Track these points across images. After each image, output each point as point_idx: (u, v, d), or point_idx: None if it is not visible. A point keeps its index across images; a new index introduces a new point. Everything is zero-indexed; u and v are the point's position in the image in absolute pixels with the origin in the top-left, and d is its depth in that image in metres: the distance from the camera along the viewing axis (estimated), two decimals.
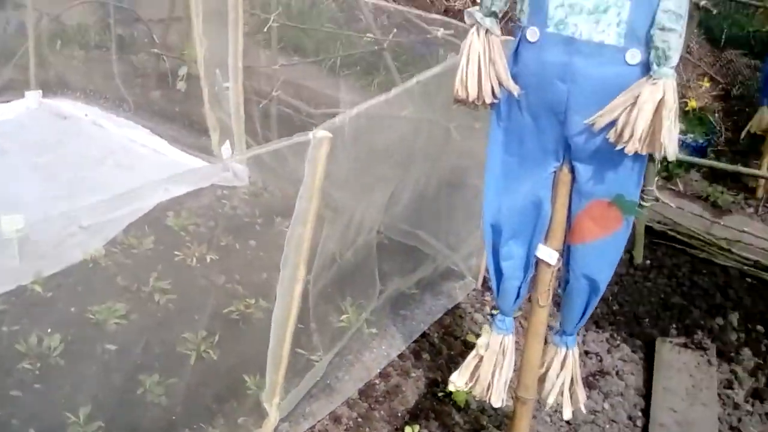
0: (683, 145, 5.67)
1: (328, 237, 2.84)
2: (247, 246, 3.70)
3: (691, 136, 5.93)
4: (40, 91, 5.07)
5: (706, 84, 6.82)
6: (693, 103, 6.29)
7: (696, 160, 4.93)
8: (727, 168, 4.73)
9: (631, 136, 2.02)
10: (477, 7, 2.29)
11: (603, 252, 2.36)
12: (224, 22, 4.12)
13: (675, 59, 2.01)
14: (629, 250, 4.16)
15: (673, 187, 5.28)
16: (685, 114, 6.29)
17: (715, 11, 4.86)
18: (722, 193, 5.30)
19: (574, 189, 2.31)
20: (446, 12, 8.29)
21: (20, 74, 5.19)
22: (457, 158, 3.63)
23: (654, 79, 2.01)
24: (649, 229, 4.35)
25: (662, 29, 2.01)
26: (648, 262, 4.24)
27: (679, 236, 4.46)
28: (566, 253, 2.42)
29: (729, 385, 3.44)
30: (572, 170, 2.29)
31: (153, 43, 5.57)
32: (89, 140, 4.59)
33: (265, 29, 4.77)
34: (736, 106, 6.98)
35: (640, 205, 2.29)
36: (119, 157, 4.40)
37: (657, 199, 4.24)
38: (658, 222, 4.51)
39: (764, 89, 5.31)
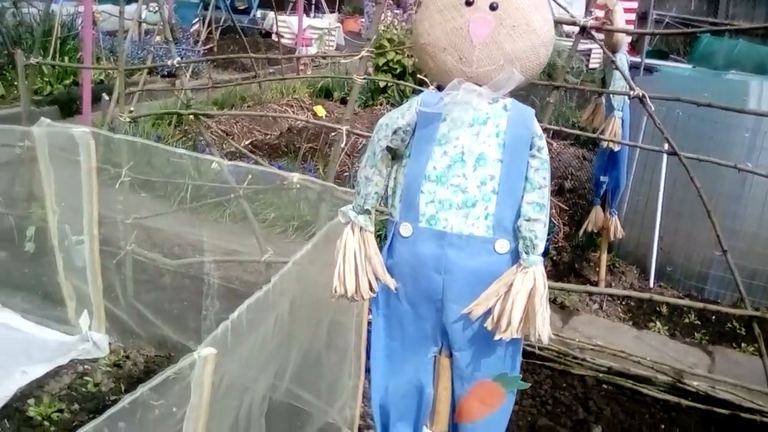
0: None
1: None
2: (116, 429, 3.58)
3: None
4: None
5: None
6: None
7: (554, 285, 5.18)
8: (564, 288, 4.99)
9: (509, 325, 2.16)
10: (350, 206, 2.41)
11: (490, 426, 2.48)
12: (74, 183, 4.05)
13: (542, 247, 2.19)
14: None
15: None
16: None
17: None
18: (568, 293, 5.61)
19: (455, 374, 2.42)
20: (289, 130, 8.47)
21: None
22: (333, 317, 3.67)
23: (524, 267, 2.18)
24: None
25: (528, 220, 2.19)
26: None
27: (535, 350, 4.67)
28: (454, 431, 2.51)
29: None
30: (451, 355, 2.40)
31: None
32: None
33: (117, 185, 4.71)
34: (571, 199, 7.42)
35: (523, 379, 2.41)
36: None
37: None
38: None
39: (596, 191, 5.68)
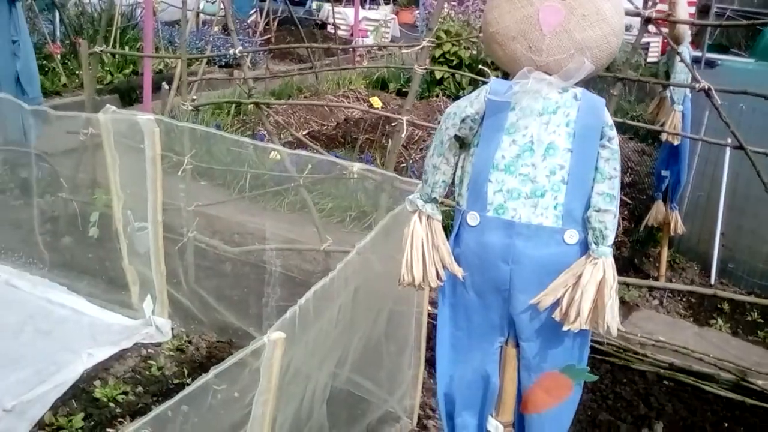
0: None
1: (284, 422, 2.83)
2: (179, 411, 3.64)
3: None
4: None
5: None
6: None
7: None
8: (627, 282, 4.92)
9: (578, 315, 2.14)
10: (417, 194, 2.41)
11: (557, 418, 2.47)
12: (138, 171, 4.12)
13: (611, 238, 2.17)
14: None
15: None
16: None
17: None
18: (629, 288, 5.54)
19: (522, 364, 2.41)
20: (346, 121, 8.50)
21: None
22: (393, 308, 3.68)
23: (594, 258, 2.15)
24: None
25: (598, 211, 2.16)
26: None
27: (596, 345, 4.62)
28: (519, 421, 2.51)
29: None
30: (517, 345, 2.39)
31: (60, 185, 5.49)
32: (6, 305, 4.45)
33: (180, 173, 4.78)
34: (631, 193, 7.31)
35: (591, 371, 2.39)
36: (38, 323, 4.28)
37: None
38: None
39: (657, 185, 5.60)
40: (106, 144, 4.17)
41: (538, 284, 2.22)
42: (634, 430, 3.98)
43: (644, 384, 4.35)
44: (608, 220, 2.18)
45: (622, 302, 5.38)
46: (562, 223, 2.21)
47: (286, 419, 2.83)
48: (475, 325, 2.41)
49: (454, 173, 2.38)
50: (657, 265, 5.83)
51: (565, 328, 2.18)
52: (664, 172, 5.48)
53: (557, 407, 2.42)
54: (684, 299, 5.61)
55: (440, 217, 2.38)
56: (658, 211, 5.60)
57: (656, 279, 5.77)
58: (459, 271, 2.33)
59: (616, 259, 5.94)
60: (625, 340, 4.66)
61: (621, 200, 6.98)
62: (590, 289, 2.14)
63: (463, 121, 2.28)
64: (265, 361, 2.28)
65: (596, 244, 2.18)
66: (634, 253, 6.31)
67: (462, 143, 2.35)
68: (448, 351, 2.49)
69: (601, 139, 2.20)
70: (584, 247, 2.21)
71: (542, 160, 2.21)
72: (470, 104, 2.28)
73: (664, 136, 5.29)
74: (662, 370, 4.44)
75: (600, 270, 2.16)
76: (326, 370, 3.10)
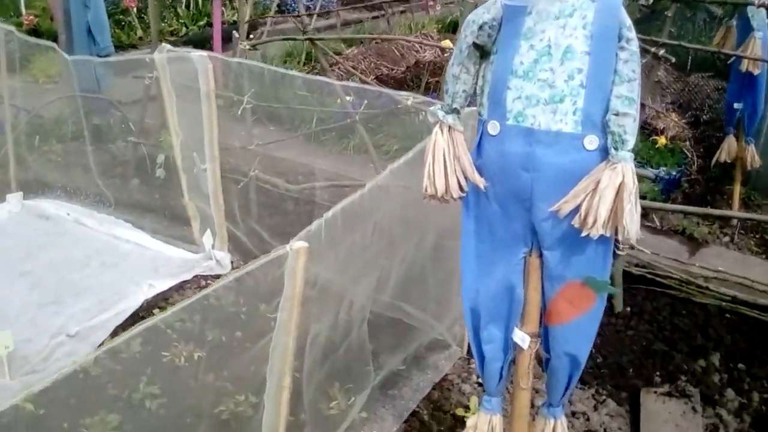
0: (657, 179, 5.78)
1: (319, 333, 2.89)
2: (234, 338, 3.76)
3: (664, 168, 6.04)
4: (21, 193, 5.17)
5: (675, 118, 6.93)
6: (662, 141, 6.40)
7: (667, 206, 5.01)
8: (695, 211, 4.79)
9: (595, 221, 2.11)
10: (438, 106, 2.40)
11: (580, 330, 2.45)
12: (198, 112, 4.22)
13: (631, 142, 2.12)
14: (609, 299, 4.21)
15: (649, 224, 5.37)
16: (656, 149, 6.42)
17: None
18: (698, 224, 5.40)
19: (545, 274, 2.40)
20: (416, 65, 8.46)
21: (0, 176, 5.29)
22: (438, 225, 3.69)
23: (613, 163, 2.11)
24: (627, 274, 4.40)
25: (617, 114, 2.12)
26: (628, 309, 4.31)
27: (657, 278, 4.54)
28: (545, 333, 2.50)
29: (715, 430, 3.50)
30: (541, 255, 2.38)
31: (130, 130, 5.66)
32: (73, 241, 4.66)
33: (239, 112, 4.85)
34: (707, 131, 7.10)
35: (611, 282, 2.36)
36: (104, 257, 4.47)
37: (632, 247, 4.33)
38: (636, 266, 4.59)
39: (728, 119, 5.41)
40: (163, 82, 4.28)
41: (558, 192, 2.19)
42: (690, 360, 3.91)
43: (704, 316, 4.27)
44: (627, 124, 2.12)
45: (690, 238, 5.26)
46: (582, 129, 2.16)
47: (320, 332, 2.89)
48: (498, 237, 2.40)
49: (475, 83, 2.35)
50: (730, 202, 5.64)
51: (583, 234, 2.15)
52: (736, 105, 5.27)
53: (581, 319, 2.40)
54: (756, 236, 5.43)
55: (461, 128, 2.37)
56: (730, 145, 5.41)
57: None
58: (480, 182, 2.32)
59: (688, 196, 5.80)
60: (688, 273, 4.56)
61: (695, 137, 6.83)
62: (608, 194, 2.11)
63: (480, 28, 2.25)
64: (289, 269, 2.32)
65: (615, 148, 2.13)
66: (708, 190, 6.13)
67: (482, 52, 2.32)
68: (473, 265, 2.49)
69: (619, 41, 2.14)
70: (604, 153, 2.17)
71: (560, 65, 2.16)
72: (487, 11, 2.25)
73: (743, 66, 5.05)
74: (724, 303, 4.34)
75: (619, 174, 2.11)
76: (363, 291, 3.14)
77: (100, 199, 5.09)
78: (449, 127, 2.36)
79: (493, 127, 2.27)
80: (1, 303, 4.02)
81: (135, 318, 3.85)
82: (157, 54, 4.18)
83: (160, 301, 4.02)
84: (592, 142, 2.17)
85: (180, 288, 4.18)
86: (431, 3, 11.44)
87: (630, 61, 2.14)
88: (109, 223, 4.85)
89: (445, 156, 2.36)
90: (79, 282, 4.21)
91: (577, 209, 2.17)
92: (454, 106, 2.37)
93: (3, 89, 5.22)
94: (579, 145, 2.18)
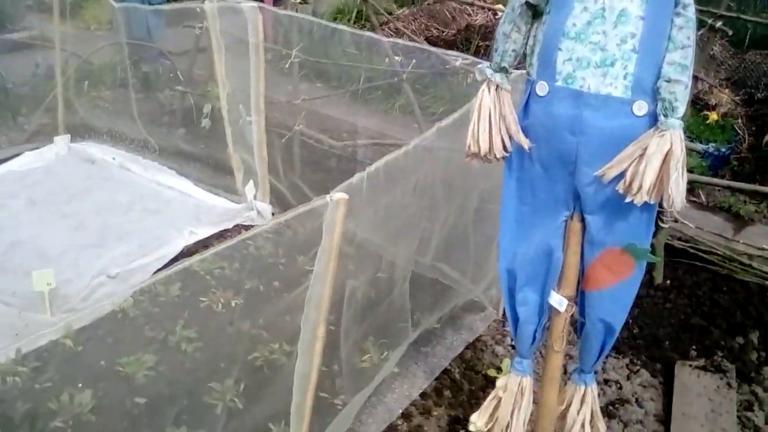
0: (705, 155, 5.69)
1: (356, 289, 2.90)
2: (271, 287, 3.79)
3: (713, 144, 5.93)
4: (69, 136, 5.24)
5: (727, 95, 6.79)
6: (714, 116, 6.28)
7: (714, 180, 4.91)
8: (743, 187, 4.71)
9: (640, 187, 2.08)
10: (487, 64, 2.37)
11: (617, 297, 2.42)
12: (246, 64, 4.23)
13: (682, 110, 2.07)
14: (649, 270, 4.18)
15: (695, 199, 5.30)
16: (706, 124, 6.30)
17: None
18: (744, 203, 5.31)
19: (585, 239, 2.37)
20: (467, 28, 8.36)
21: (49, 119, 5.37)
22: (480, 188, 3.68)
23: (661, 130, 2.07)
24: (669, 248, 4.36)
25: (668, 81, 2.07)
26: (668, 282, 4.27)
27: (699, 253, 4.48)
28: (581, 298, 2.48)
29: (749, 407, 3.47)
30: (582, 220, 2.35)
31: (178, 79, 5.70)
32: (117, 185, 4.73)
33: (287, 65, 4.84)
34: (761, 110, 6.95)
35: (652, 252, 2.33)
36: (147, 202, 4.53)
37: (676, 220, 4.28)
38: (679, 239, 4.53)
39: None
40: (212, 32, 4.29)
41: (604, 156, 2.16)
42: (728, 337, 3.87)
43: (745, 294, 4.21)
44: (679, 91, 2.08)
45: (736, 216, 5.18)
46: (632, 94, 2.12)
47: (357, 288, 2.91)
48: (540, 200, 2.38)
49: (525, 43, 2.32)
50: None
51: (627, 200, 2.12)
52: None
53: (618, 286, 2.37)
54: None
55: (509, 87, 2.34)
56: None
57: None
58: (525, 142, 2.29)
59: (737, 174, 5.70)
60: (732, 251, 4.49)
61: (747, 115, 6.69)
62: (655, 161, 2.07)
63: None
64: (328, 220, 2.33)
65: (665, 115, 2.09)
66: (757, 169, 6.00)
67: (535, 11, 2.28)
68: (513, 227, 2.47)
69: (675, 6, 2.09)
70: (653, 120, 2.12)
71: (613, 28, 2.12)
72: None
73: None
74: (767, 282, 4.27)
75: (667, 142, 2.07)
76: (405, 248, 3.14)
77: (145, 145, 5.15)
78: (497, 86, 2.33)
79: (541, 88, 2.24)
80: (45, 243, 4.11)
81: (174, 264, 3.89)
82: (208, 3, 4.19)
83: (201, 248, 4.07)
84: (641, 107, 2.13)
85: (221, 236, 4.23)
86: None
87: (685, 28, 2.09)
88: (153, 170, 4.90)
89: (490, 114, 2.33)
90: (121, 226, 4.28)
91: (621, 175, 2.14)
92: (503, 64, 2.33)
93: (55, 34, 5.27)
94: (628, 110, 2.14)
